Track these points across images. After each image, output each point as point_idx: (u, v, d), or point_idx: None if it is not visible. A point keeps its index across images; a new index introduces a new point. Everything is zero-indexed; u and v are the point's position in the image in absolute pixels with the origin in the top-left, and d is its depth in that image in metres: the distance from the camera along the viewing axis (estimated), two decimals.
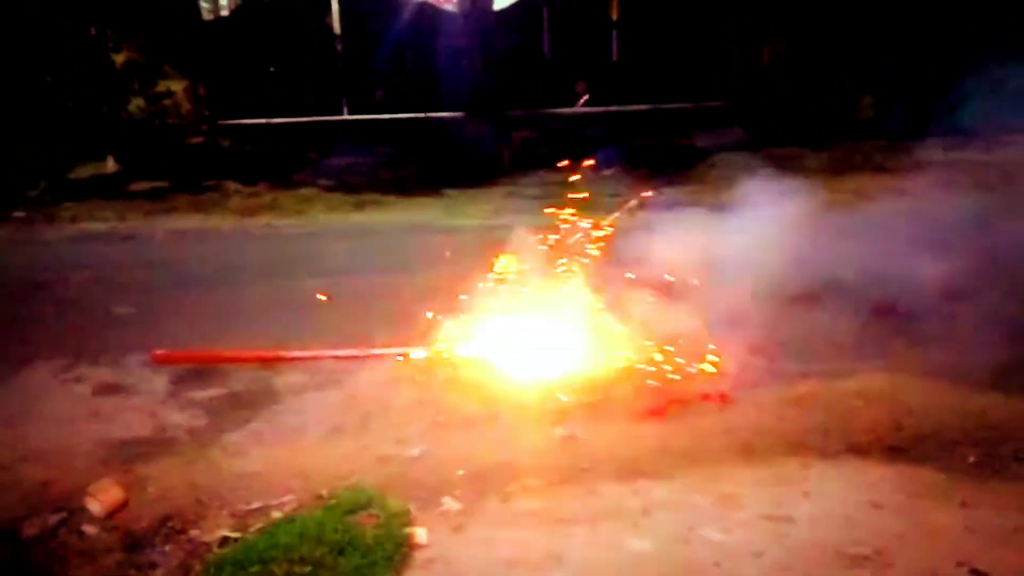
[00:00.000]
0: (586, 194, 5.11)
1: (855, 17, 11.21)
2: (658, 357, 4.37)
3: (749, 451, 3.62)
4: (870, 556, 2.90)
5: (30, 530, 3.28)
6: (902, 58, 10.63)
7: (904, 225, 5.49)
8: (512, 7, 11.60)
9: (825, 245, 5.13)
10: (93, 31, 10.66)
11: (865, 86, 11.23)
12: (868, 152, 10.06)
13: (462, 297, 4.80)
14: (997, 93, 6.34)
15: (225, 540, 3.11)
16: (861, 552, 2.91)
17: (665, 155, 10.29)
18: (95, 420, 4.17)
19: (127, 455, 3.78)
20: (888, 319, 4.84)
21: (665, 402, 4.07)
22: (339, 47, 11.44)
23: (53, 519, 3.32)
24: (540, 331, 4.60)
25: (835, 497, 3.25)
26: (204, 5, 11.13)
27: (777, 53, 11.89)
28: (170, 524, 3.26)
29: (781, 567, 2.85)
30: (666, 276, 4.90)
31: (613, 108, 12.02)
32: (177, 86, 10.95)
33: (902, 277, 4.89)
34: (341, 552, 2.90)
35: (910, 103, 10.12)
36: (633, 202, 5.99)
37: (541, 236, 4.95)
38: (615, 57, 12.05)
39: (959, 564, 2.83)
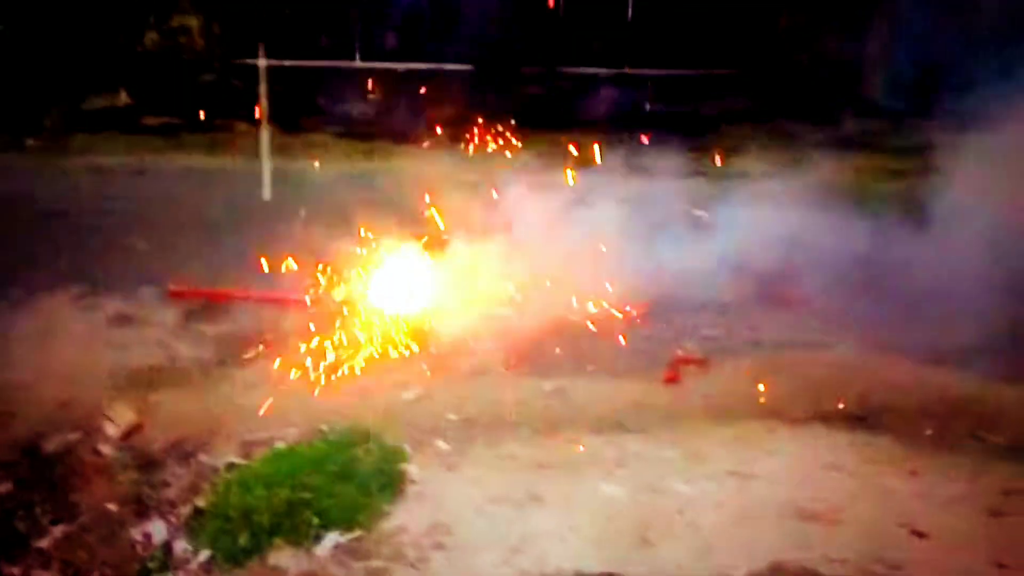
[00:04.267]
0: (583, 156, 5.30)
1: None
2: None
3: (721, 413, 3.87)
4: (823, 512, 3.16)
5: (51, 446, 3.55)
6: (914, 37, 10.67)
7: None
8: None
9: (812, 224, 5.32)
10: None
11: (877, 63, 11.27)
12: (873, 131, 10.17)
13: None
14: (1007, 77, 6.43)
15: (232, 465, 3.38)
16: (815, 508, 3.18)
17: (672, 120, 10.38)
18: (111, 347, 4.42)
19: (141, 382, 4.05)
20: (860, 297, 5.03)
21: (676, 365, 4.29)
22: None
23: (72, 437, 3.59)
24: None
25: (796, 458, 3.52)
26: None
27: (794, 22, 11.89)
28: (181, 448, 3.52)
29: (739, 517, 3.12)
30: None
31: (624, 71, 12.04)
32: (192, 22, 10.97)
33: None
34: (340, 481, 3.17)
35: (919, 84, 10.17)
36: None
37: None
38: (629, 18, 12.03)
39: (902, 524, 3.09)
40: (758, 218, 5.37)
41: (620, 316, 4.81)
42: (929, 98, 8.31)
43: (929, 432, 3.76)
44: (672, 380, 4.20)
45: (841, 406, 3.94)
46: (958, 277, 4.61)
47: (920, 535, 3.05)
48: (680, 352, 4.49)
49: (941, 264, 4.76)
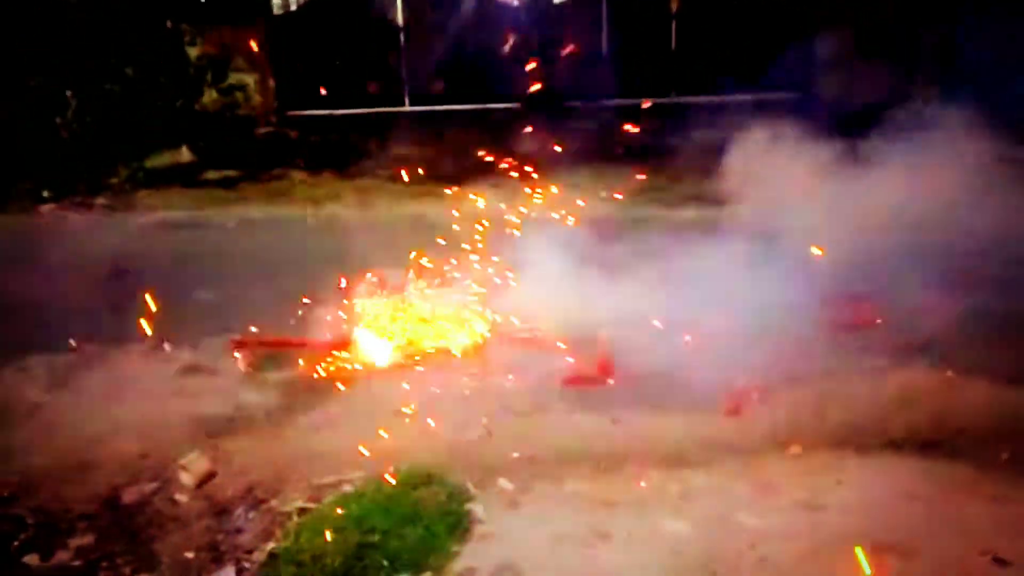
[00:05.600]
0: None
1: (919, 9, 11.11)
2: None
3: (787, 443, 3.81)
4: (899, 544, 3.08)
5: (129, 497, 3.68)
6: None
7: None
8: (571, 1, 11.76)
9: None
10: (170, 25, 11.14)
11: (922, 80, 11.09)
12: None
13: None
14: None
15: (302, 510, 3.45)
16: (890, 540, 3.10)
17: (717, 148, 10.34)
18: (181, 398, 4.56)
19: (211, 431, 4.16)
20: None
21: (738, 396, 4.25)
22: (402, 39, 11.74)
23: (149, 488, 3.72)
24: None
25: (868, 487, 3.44)
26: (275, 0, 11.54)
27: (841, 43, 11.80)
28: (253, 494, 3.62)
29: (812, 550, 3.06)
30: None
31: (671, 99, 12.08)
32: (248, 78, 11.38)
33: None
34: (407, 523, 3.21)
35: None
36: None
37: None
38: (673, 47, 12.10)
39: (983, 553, 3.00)
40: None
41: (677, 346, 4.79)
42: None
43: (1006, 456, 3.65)
44: (735, 412, 4.15)
45: (910, 432, 3.85)
46: None
47: (1003, 563, 2.95)
48: (741, 382, 4.43)
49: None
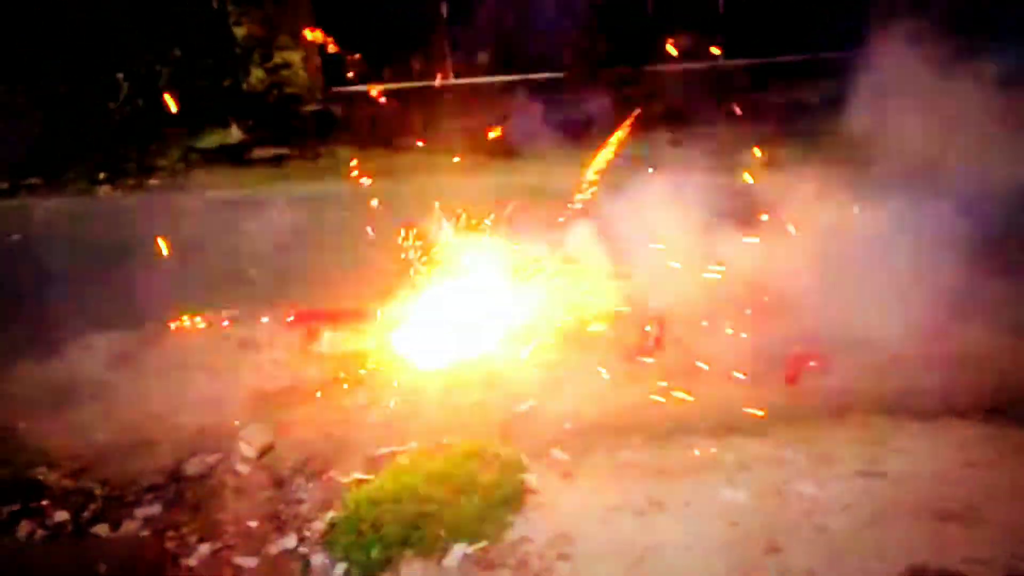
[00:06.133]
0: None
1: None
2: None
3: (845, 411, 3.76)
4: (960, 512, 3.03)
5: (192, 469, 3.79)
6: None
7: None
8: None
9: None
10: (215, 5, 11.23)
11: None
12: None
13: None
14: None
15: (360, 481, 3.52)
16: (951, 508, 3.05)
17: (771, 111, 10.12)
18: (240, 373, 4.66)
19: (270, 404, 4.25)
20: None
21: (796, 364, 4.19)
22: (444, 12, 11.66)
23: (211, 459, 3.82)
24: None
25: (928, 455, 3.38)
26: None
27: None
28: (311, 466, 3.70)
29: (871, 520, 3.02)
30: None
31: (719, 63, 11.83)
32: (294, 57, 11.41)
33: None
34: (462, 493, 3.25)
35: None
36: None
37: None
38: (721, 10, 11.82)
39: None
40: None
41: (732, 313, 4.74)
42: None
43: None
44: (793, 379, 4.10)
45: (972, 398, 3.76)
46: None
47: None
48: (798, 350, 4.35)
49: None
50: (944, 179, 4.90)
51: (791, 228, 4.96)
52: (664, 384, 4.14)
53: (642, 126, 7.22)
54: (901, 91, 5.64)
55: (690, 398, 4.00)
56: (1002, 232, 4.78)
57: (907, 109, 5.37)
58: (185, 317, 5.30)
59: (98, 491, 3.66)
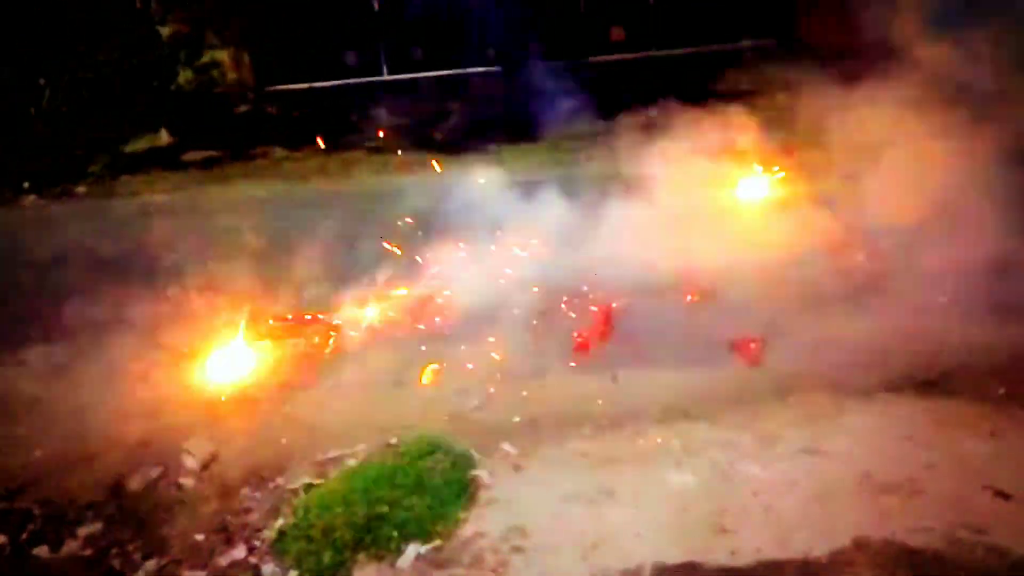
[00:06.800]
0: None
1: None
2: None
3: (786, 392, 3.84)
4: (901, 484, 3.13)
5: (134, 484, 3.67)
6: None
7: None
8: None
9: None
10: (139, 5, 10.93)
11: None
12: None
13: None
14: None
15: (309, 486, 3.46)
16: (893, 480, 3.15)
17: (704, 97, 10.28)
18: (179, 382, 4.53)
19: (213, 413, 4.15)
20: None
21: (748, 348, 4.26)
22: (376, 6, 11.56)
23: (154, 473, 3.71)
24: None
25: (868, 430, 3.48)
26: None
27: None
28: (258, 474, 3.62)
29: (816, 496, 3.10)
30: None
31: (651, 53, 11.98)
32: (223, 55, 11.19)
33: None
34: (413, 492, 3.23)
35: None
36: None
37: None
38: (651, 1, 11.96)
39: (985, 487, 3.04)
40: None
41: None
42: None
43: (1003, 391, 3.69)
44: (755, 361, 4.16)
45: (907, 373, 3.88)
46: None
47: (1004, 496, 3.00)
48: (740, 334, 4.43)
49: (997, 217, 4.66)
50: None
51: None
52: (610, 372, 4.16)
53: None
54: None
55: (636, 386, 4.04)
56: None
57: None
58: (119, 327, 5.13)
59: (37, 511, 3.53)
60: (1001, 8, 5.98)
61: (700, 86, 10.27)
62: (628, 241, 5.13)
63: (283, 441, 3.84)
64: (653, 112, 8.39)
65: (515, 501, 3.26)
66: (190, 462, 3.69)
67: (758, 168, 6.10)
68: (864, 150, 5.66)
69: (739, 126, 6.31)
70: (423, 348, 4.59)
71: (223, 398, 4.30)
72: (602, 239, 5.24)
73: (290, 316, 5.11)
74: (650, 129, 6.88)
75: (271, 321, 5.04)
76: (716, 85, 10.63)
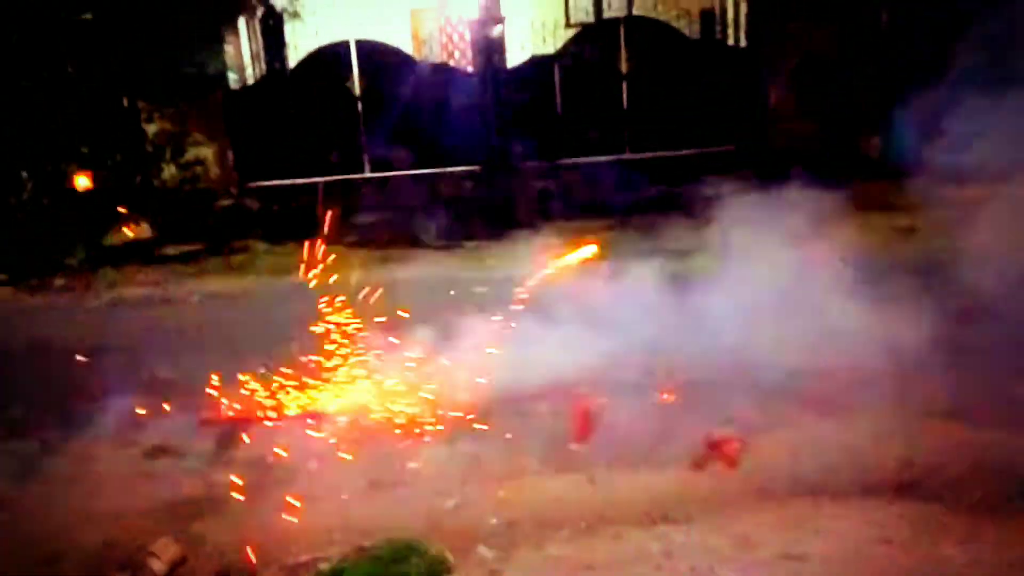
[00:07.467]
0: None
1: (855, 59, 11.62)
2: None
3: (764, 494, 3.83)
4: None
5: None
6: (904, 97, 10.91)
7: None
8: (524, 65, 12.02)
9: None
10: (126, 103, 11.17)
11: (871, 126, 11.54)
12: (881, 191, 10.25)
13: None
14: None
15: None
16: None
17: (676, 202, 10.56)
18: (149, 481, 4.45)
19: (182, 514, 4.06)
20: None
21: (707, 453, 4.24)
22: (360, 108, 11.89)
23: None
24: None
25: (846, 534, 3.46)
26: (232, 76, 11.64)
27: (783, 96, 12.24)
28: None
29: None
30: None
31: (625, 156, 12.34)
32: (207, 152, 11.40)
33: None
34: None
35: (914, 142, 10.33)
36: None
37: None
38: (625, 107, 12.40)
39: None
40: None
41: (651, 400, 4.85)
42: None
43: (978, 495, 3.71)
44: (732, 463, 4.15)
45: (883, 475, 3.90)
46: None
47: None
48: (714, 434, 4.43)
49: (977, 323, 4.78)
50: None
51: None
52: (589, 474, 4.14)
53: None
54: None
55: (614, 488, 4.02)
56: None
57: None
58: (90, 424, 5.05)
59: None
60: None
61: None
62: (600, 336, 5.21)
63: (254, 544, 3.73)
64: None
65: None
66: (156, 565, 3.57)
67: None
68: None
69: None
70: (399, 447, 4.56)
71: (192, 498, 4.21)
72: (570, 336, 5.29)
73: (263, 414, 5.06)
74: None
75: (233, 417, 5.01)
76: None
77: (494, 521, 3.81)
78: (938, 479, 3.85)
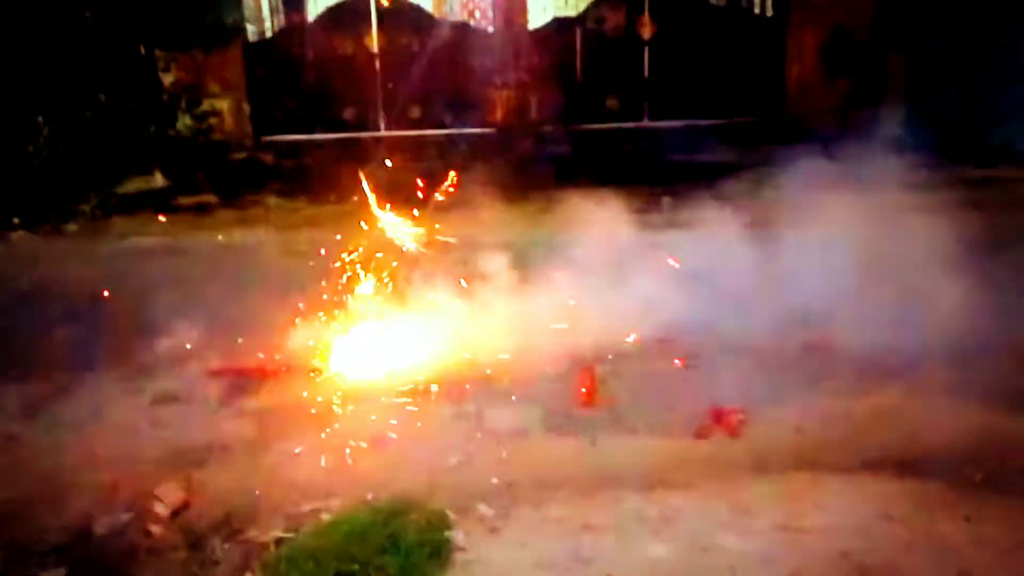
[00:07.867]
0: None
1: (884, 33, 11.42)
2: None
3: (766, 465, 3.83)
4: (878, 565, 3.11)
5: (102, 528, 3.59)
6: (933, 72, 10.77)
7: None
8: (545, 27, 11.87)
9: None
10: (143, 51, 11.10)
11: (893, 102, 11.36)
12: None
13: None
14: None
15: (280, 540, 3.40)
16: (869, 561, 3.13)
17: (693, 170, 10.47)
18: (156, 428, 4.49)
19: (187, 461, 4.09)
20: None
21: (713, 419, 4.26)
22: (378, 65, 11.79)
23: (123, 519, 3.64)
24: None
25: (846, 509, 3.46)
26: (250, 27, 11.52)
27: (808, 69, 12.07)
28: (229, 525, 3.55)
29: (792, 573, 3.07)
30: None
31: (644, 124, 12.24)
32: (223, 104, 11.35)
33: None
34: (386, 552, 3.18)
35: (939, 120, 10.20)
36: None
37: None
38: (646, 75, 12.26)
39: (960, 573, 3.03)
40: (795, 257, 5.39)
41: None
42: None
43: (980, 476, 3.70)
44: (704, 435, 4.16)
45: (886, 453, 3.89)
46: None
47: None
48: (721, 405, 4.42)
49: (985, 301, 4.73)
50: None
51: None
52: (591, 437, 4.15)
53: None
54: None
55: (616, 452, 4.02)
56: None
57: None
58: (99, 368, 5.10)
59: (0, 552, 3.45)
60: None
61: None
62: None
63: (257, 492, 3.78)
64: None
65: (490, 564, 3.21)
66: (160, 509, 3.62)
67: None
68: None
69: None
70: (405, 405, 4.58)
71: (198, 446, 4.25)
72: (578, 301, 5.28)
73: (272, 366, 5.09)
74: None
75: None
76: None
77: (495, 480, 3.83)
78: (941, 459, 3.83)
